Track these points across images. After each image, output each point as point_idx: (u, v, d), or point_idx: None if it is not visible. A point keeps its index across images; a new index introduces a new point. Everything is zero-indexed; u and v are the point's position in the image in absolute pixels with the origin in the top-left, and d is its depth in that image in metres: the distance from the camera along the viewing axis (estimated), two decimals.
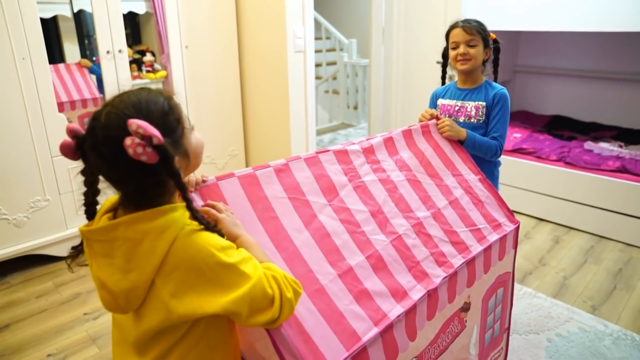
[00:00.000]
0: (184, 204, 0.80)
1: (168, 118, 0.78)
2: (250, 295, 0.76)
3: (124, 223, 0.76)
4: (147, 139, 0.70)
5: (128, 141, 0.70)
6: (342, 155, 1.24)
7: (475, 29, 1.71)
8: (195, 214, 0.81)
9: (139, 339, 0.82)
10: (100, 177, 0.79)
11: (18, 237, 2.44)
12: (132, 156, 0.70)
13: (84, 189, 0.80)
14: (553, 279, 2.41)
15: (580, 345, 1.89)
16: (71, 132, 0.76)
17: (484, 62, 1.79)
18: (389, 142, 1.39)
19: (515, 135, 3.39)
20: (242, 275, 0.77)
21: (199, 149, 0.87)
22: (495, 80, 1.85)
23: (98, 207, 0.83)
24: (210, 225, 0.82)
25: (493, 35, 1.80)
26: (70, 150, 0.76)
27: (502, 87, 1.78)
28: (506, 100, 1.75)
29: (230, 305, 0.75)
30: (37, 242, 2.48)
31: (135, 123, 0.70)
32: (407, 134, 1.47)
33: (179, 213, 0.79)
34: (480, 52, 1.73)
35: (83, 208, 0.82)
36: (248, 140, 3.43)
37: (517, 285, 2.30)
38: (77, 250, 0.84)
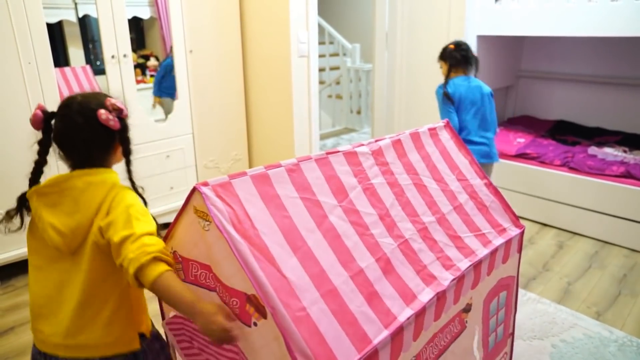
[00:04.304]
0: (116, 172, 1.10)
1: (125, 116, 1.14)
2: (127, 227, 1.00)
3: (75, 176, 1.05)
4: (117, 111, 1.06)
5: (103, 110, 1.04)
6: (352, 157, 1.25)
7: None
8: (130, 176, 1.13)
9: (82, 295, 1.03)
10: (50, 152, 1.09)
11: (23, 240, 2.40)
12: (103, 121, 1.03)
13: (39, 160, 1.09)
14: (557, 284, 2.40)
15: (585, 352, 1.88)
16: (41, 108, 1.06)
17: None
18: (397, 145, 1.39)
19: (518, 140, 3.39)
20: (134, 226, 1.00)
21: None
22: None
23: (42, 178, 1.10)
24: (141, 193, 1.13)
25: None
26: (37, 121, 1.05)
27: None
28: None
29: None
30: None
31: (113, 99, 1.07)
32: (416, 137, 1.47)
33: (114, 175, 1.09)
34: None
35: (29, 176, 1.10)
36: (252, 144, 3.43)
37: (521, 291, 2.29)
38: (10, 215, 1.11)
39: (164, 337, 1.26)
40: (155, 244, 0.99)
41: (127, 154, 1.11)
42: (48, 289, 1.07)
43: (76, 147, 1.06)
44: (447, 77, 2.43)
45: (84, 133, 1.04)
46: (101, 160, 1.08)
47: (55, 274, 1.07)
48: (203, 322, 0.89)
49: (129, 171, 1.12)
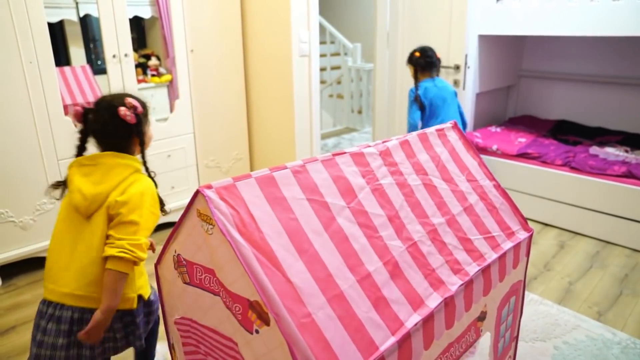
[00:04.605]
0: (139, 160, 1.37)
1: (146, 111, 1.39)
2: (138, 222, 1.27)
3: (108, 154, 1.32)
4: (133, 108, 1.32)
5: (122, 108, 1.30)
6: (359, 158, 1.22)
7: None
8: (145, 165, 1.38)
9: (92, 255, 1.25)
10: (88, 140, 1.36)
11: (24, 239, 2.45)
12: (122, 116, 1.30)
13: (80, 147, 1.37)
14: (558, 284, 2.40)
15: (588, 354, 1.87)
16: (82, 106, 1.34)
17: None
18: (405, 145, 1.38)
19: (520, 140, 3.38)
20: (142, 216, 1.28)
21: (149, 137, 1.42)
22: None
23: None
24: (153, 177, 1.39)
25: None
26: (78, 115, 1.33)
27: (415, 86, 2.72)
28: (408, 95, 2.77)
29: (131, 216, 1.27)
30: (43, 245, 2.49)
31: (130, 99, 1.33)
32: (424, 137, 1.45)
33: (138, 162, 1.36)
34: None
35: (74, 155, 1.36)
36: (253, 144, 3.43)
37: None
38: (58, 184, 1.36)
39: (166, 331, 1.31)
40: (145, 250, 1.26)
41: (141, 143, 1.37)
42: (63, 247, 1.29)
43: (103, 136, 1.34)
44: (417, 80, 2.76)
45: (108, 126, 1.32)
46: (123, 147, 1.34)
47: (71, 235, 1.29)
48: (105, 321, 1.22)
49: (143, 157, 1.38)
